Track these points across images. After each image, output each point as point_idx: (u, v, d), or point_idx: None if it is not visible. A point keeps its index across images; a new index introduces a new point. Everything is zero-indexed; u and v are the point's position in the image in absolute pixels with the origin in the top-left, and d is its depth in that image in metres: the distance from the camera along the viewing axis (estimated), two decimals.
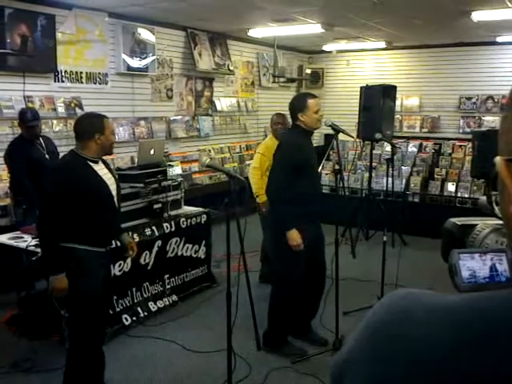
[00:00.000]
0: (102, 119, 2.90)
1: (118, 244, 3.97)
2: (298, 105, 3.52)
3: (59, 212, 2.74)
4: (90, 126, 2.86)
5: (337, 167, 3.56)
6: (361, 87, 6.69)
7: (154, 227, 4.42)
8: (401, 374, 0.62)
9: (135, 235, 4.20)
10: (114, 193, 2.94)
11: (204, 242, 4.98)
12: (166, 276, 4.55)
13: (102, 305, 2.99)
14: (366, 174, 7.08)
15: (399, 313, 0.67)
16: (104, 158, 3.05)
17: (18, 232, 4.06)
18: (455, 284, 0.83)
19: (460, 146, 7.56)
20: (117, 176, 3.12)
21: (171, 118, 7.09)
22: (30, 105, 5.19)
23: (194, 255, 4.88)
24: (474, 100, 8.49)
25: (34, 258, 3.64)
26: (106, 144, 2.88)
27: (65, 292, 2.79)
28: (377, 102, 6.36)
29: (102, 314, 2.98)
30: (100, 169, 2.91)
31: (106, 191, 2.88)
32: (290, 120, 3.83)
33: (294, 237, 3.40)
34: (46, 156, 4.46)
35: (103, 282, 2.94)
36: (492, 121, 8.33)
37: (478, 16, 5.87)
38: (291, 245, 3.39)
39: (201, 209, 5.05)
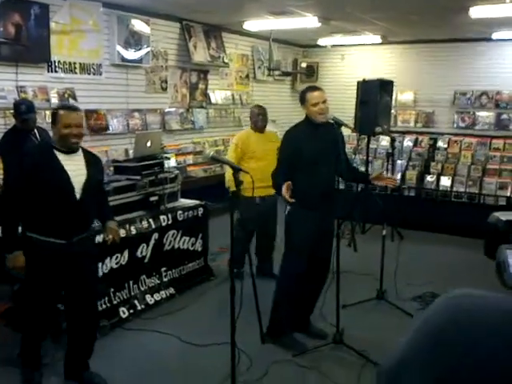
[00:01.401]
0: (58, 111, 2.91)
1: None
2: (300, 97, 3.57)
3: (18, 196, 2.85)
4: (51, 118, 2.97)
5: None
6: (358, 82, 6.65)
7: (150, 220, 4.37)
8: (459, 375, 0.60)
9: (132, 227, 4.15)
10: (79, 186, 2.89)
11: (201, 234, 4.93)
12: (163, 269, 4.50)
13: (49, 296, 3.02)
14: (362, 168, 7.06)
15: (459, 316, 0.64)
16: (88, 149, 3.16)
17: None
18: (503, 280, 0.79)
19: (455, 141, 7.56)
20: (94, 170, 3.02)
21: (165, 110, 7.01)
22: (22, 95, 5.09)
23: (191, 248, 4.83)
24: (468, 96, 8.49)
25: None
26: (59, 135, 2.87)
27: (22, 270, 2.87)
28: (374, 97, 6.32)
29: (47, 306, 3.05)
30: (68, 159, 2.89)
31: (63, 183, 2.85)
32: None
33: (285, 186, 3.25)
34: None
35: (72, 273, 2.96)
36: (486, 116, 8.34)
37: (475, 12, 5.84)
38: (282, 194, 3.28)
39: (198, 201, 4.99)
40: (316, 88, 3.57)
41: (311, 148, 3.43)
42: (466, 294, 0.68)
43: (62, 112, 2.89)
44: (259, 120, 4.88)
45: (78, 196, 2.89)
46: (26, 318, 3.14)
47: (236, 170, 2.85)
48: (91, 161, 3.03)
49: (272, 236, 4.95)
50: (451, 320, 0.64)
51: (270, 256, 5.01)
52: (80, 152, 2.99)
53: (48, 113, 5.39)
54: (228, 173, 4.80)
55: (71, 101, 5.62)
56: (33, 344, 3.15)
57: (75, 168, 2.90)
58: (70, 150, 2.92)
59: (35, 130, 4.41)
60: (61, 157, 2.88)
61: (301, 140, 3.47)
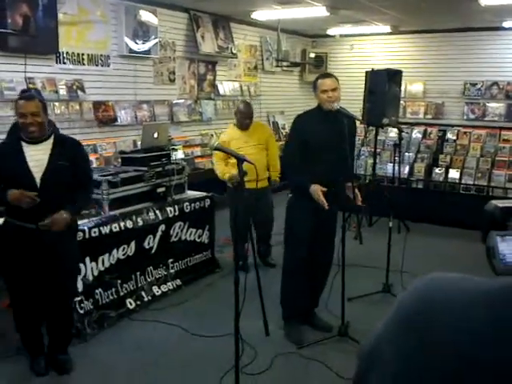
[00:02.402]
0: (16, 101, 2.98)
1: (121, 228, 3.96)
2: (313, 83, 3.60)
3: None
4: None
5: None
6: (366, 71, 6.61)
7: (157, 211, 4.39)
8: (434, 353, 0.61)
9: (139, 219, 4.17)
10: (38, 174, 2.95)
11: (207, 226, 4.95)
12: (170, 260, 4.53)
13: (23, 280, 3.07)
14: (370, 160, 7.03)
15: (432, 298, 0.65)
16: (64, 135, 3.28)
17: None
18: (493, 266, 0.80)
19: (465, 132, 7.49)
20: (58, 154, 3.02)
21: (173, 102, 7.01)
22: (31, 86, 5.11)
23: (198, 240, 4.85)
24: (478, 86, 8.41)
25: None
26: (19, 125, 2.96)
27: (22, 196, 2.89)
28: (382, 87, 6.27)
29: (23, 290, 3.11)
30: (32, 150, 2.96)
31: (21, 173, 2.93)
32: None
33: (316, 189, 3.32)
34: None
35: (45, 258, 3.04)
36: (496, 107, 8.26)
37: (485, 0, 5.77)
38: (316, 198, 3.32)
39: (204, 193, 5.01)
40: (328, 75, 3.60)
41: (318, 135, 3.44)
42: (437, 276, 0.69)
43: (18, 102, 2.95)
44: (244, 122, 4.90)
45: (38, 185, 2.95)
46: (13, 305, 3.26)
47: (240, 161, 2.85)
48: (60, 147, 3.04)
49: (266, 224, 4.98)
50: (417, 302, 0.66)
51: (267, 243, 5.06)
52: (50, 140, 3.03)
53: (57, 104, 5.44)
54: (217, 163, 4.83)
55: (79, 92, 5.64)
56: (26, 331, 3.26)
57: (38, 158, 2.97)
58: (34, 140, 2.98)
59: None
60: (26, 147, 2.97)
61: (308, 126, 3.50)
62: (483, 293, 0.62)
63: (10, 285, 3.18)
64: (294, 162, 3.49)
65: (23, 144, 2.98)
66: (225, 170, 4.68)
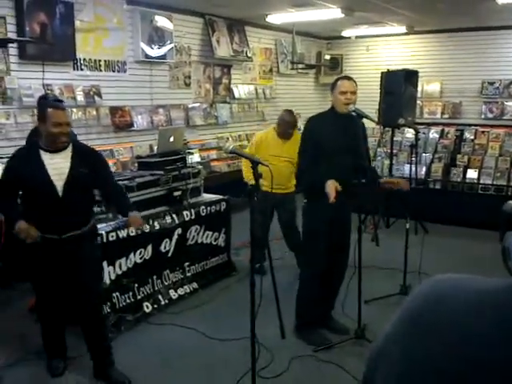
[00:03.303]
0: (46, 109, 2.87)
1: (138, 232, 3.99)
2: (332, 84, 3.58)
3: (7, 191, 2.99)
4: (37, 115, 3.00)
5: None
6: (382, 72, 6.58)
7: (173, 215, 4.41)
8: (436, 354, 0.61)
9: (155, 223, 4.20)
10: (60, 182, 2.90)
11: (224, 229, 4.96)
12: (187, 264, 4.55)
13: (49, 289, 3.10)
14: (387, 161, 6.99)
15: (437, 296, 0.66)
16: (82, 144, 3.26)
17: None
18: (508, 268, 0.79)
19: (483, 131, 7.40)
20: (79, 163, 2.99)
21: (189, 106, 7.06)
22: (49, 92, 5.19)
23: (214, 243, 4.87)
24: (496, 85, 8.31)
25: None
26: (47, 134, 2.87)
27: (29, 232, 2.88)
28: (398, 88, 6.24)
29: (49, 298, 3.14)
30: (52, 158, 2.91)
31: (42, 183, 2.88)
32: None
33: (330, 184, 3.22)
34: None
35: (69, 269, 3.04)
36: None
37: None
38: (327, 191, 3.22)
39: (220, 196, 5.03)
40: (348, 78, 3.58)
41: (331, 138, 3.42)
42: (442, 278, 0.69)
43: (51, 110, 2.86)
44: (287, 132, 4.72)
45: (60, 194, 2.91)
46: (38, 309, 3.29)
47: (255, 164, 2.85)
48: (80, 155, 3.01)
49: (292, 229, 4.93)
50: (422, 304, 0.67)
51: (297, 249, 5.02)
52: (69, 148, 2.98)
53: (75, 110, 5.52)
54: (244, 166, 4.88)
55: (96, 98, 5.72)
56: (50, 334, 3.29)
57: (58, 166, 2.92)
58: (55, 149, 2.93)
59: None
60: (45, 156, 2.91)
61: (321, 128, 3.47)
62: (489, 293, 0.62)
63: (37, 290, 3.21)
64: (307, 164, 3.46)
65: (41, 152, 2.93)
66: (250, 175, 4.67)
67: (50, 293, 3.14)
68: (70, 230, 3.01)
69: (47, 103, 3.00)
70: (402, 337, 0.67)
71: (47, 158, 2.92)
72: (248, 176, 4.75)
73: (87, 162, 3.05)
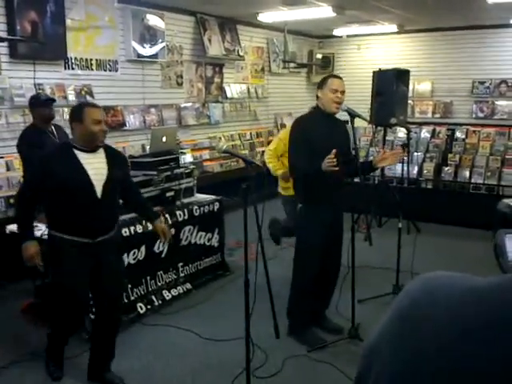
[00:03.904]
0: (83, 108, 2.86)
1: (132, 232, 3.98)
2: (321, 81, 3.52)
3: (34, 195, 2.90)
4: (70, 115, 2.91)
5: (353, 153, 3.49)
6: (373, 72, 6.60)
7: (167, 215, 4.40)
8: (427, 353, 0.62)
9: (148, 223, 4.18)
10: (99, 183, 2.85)
11: (217, 230, 4.96)
12: (180, 264, 4.55)
13: (79, 295, 2.98)
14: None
15: (427, 294, 0.67)
16: (112, 146, 3.15)
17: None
18: (500, 265, 0.80)
19: (474, 131, 7.45)
20: (115, 165, 2.98)
21: (181, 105, 7.04)
22: (40, 92, 5.15)
23: (208, 243, 4.87)
24: (487, 84, 8.37)
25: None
26: (86, 133, 2.81)
27: (34, 259, 2.88)
28: (390, 87, 6.26)
29: (77, 305, 3.00)
30: (89, 158, 2.86)
31: (81, 182, 2.81)
32: None
33: (324, 162, 3.15)
34: None
35: (99, 273, 2.96)
36: (505, 105, 8.21)
37: None
38: (326, 167, 3.15)
39: (213, 196, 5.02)
40: (339, 77, 3.58)
41: (322, 139, 3.39)
42: (432, 275, 0.70)
43: (89, 109, 2.85)
44: None
45: (99, 195, 2.86)
46: (54, 315, 3.16)
47: (248, 164, 2.84)
48: (113, 158, 3.00)
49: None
50: (413, 301, 0.67)
51: None
52: (101, 150, 2.95)
53: (66, 110, 5.47)
54: (269, 159, 4.79)
55: (88, 97, 5.68)
56: (59, 342, 3.20)
57: (96, 166, 2.87)
58: (92, 149, 2.88)
59: (52, 127, 4.45)
60: (81, 155, 2.84)
61: (312, 129, 3.44)
62: (482, 291, 0.63)
63: (61, 296, 3.00)
64: (301, 164, 3.40)
65: (76, 152, 2.85)
66: (277, 165, 4.74)
67: (74, 299, 2.98)
68: (102, 234, 2.95)
69: (82, 103, 3.03)
70: (393, 336, 0.68)
71: (84, 158, 2.85)
72: (275, 167, 4.71)
73: (120, 164, 3.06)
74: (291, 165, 3.54)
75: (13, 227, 3.98)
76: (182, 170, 4.74)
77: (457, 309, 0.62)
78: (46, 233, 3.64)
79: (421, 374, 0.62)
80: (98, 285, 3.01)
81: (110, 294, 3.09)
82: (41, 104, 4.32)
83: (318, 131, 3.43)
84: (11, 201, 4.71)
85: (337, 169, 3.11)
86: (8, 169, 4.94)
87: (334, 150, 3.11)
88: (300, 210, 3.58)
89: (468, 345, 0.59)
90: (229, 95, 7.84)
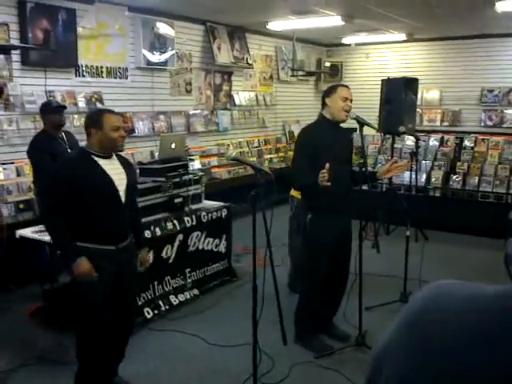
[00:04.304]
0: (102, 114, 2.83)
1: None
2: (329, 89, 3.52)
3: (58, 206, 2.77)
4: (88, 122, 2.87)
5: (361, 161, 3.50)
6: (382, 80, 6.62)
7: (175, 221, 4.43)
8: (432, 356, 0.63)
9: (157, 229, 4.21)
10: (122, 188, 2.85)
11: (224, 236, 4.98)
12: (188, 270, 4.56)
13: (108, 303, 2.90)
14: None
15: (435, 300, 0.69)
16: (121, 153, 3.08)
17: (42, 226, 4.08)
18: (510, 273, 0.80)
19: (483, 139, 7.42)
20: (130, 172, 2.98)
21: (190, 112, 7.09)
22: (51, 99, 5.22)
23: (215, 249, 4.88)
24: (496, 93, 8.35)
25: (57, 252, 3.67)
26: (105, 140, 2.79)
27: (90, 273, 2.77)
28: (398, 95, 6.28)
29: (106, 312, 2.91)
30: (108, 164, 2.84)
31: (108, 187, 2.80)
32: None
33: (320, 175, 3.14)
34: (69, 150, 4.46)
35: (119, 280, 2.91)
36: None
37: (502, 6, 5.75)
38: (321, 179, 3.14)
39: (221, 203, 5.04)
40: (347, 86, 3.60)
41: (330, 147, 3.40)
42: (442, 283, 0.72)
43: (108, 115, 2.83)
44: None
45: (123, 200, 2.86)
46: (86, 348, 2.96)
47: (257, 171, 2.85)
48: (126, 164, 3.01)
49: None
50: (422, 307, 0.69)
51: None
52: (114, 156, 2.94)
53: (76, 116, 5.53)
54: None
55: (98, 104, 5.74)
56: (100, 357, 2.97)
57: (116, 172, 2.87)
58: (108, 155, 2.87)
59: (63, 134, 4.50)
60: (101, 162, 2.83)
61: (319, 139, 3.44)
62: (480, 298, 0.64)
63: (89, 310, 2.88)
64: (301, 175, 3.40)
65: (96, 158, 2.82)
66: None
67: (103, 309, 2.87)
68: (124, 240, 2.92)
69: (101, 110, 2.98)
70: (402, 341, 0.69)
71: (104, 164, 2.83)
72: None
73: (132, 171, 3.09)
74: (293, 174, 3.53)
75: (23, 232, 4.03)
76: (190, 176, 4.77)
77: (462, 314, 0.63)
78: None
79: (425, 377, 0.64)
80: (116, 290, 2.94)
81: (128, 299, 3.08)
82: (52, 111, 4.37)
83: (324, 140, 3.43)
84: (21, 206, 4.76)
85: (329, 184, 3.10)
86: (18, 174, 4.99)
87: (327, 165, 3.11)
88: (309, 221, 3.52)
89: (471, 349, 0.60)
90: (237, 102, 7.88)
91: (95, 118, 2.84)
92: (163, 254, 4.29)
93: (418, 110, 7.72)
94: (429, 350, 0.64)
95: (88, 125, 2.86)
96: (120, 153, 3.04)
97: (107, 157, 2.87)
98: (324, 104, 3.52)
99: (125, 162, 3.01)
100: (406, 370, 0.66)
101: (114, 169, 2.87)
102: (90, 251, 2.79)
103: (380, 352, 0.75)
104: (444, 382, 0.62)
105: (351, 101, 3.47)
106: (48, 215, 2.85)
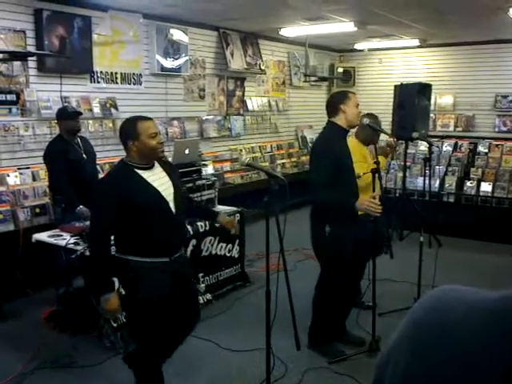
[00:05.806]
0: (136, 123, 2.66)
1: None
2: (339, 97, 3.47)
3: (108, 227, 2.65)
4: (123, 134, 2.72)
5: (374, 166, 3.49)
6: (395, 85, 6.60)
7: (188, 226, 4.44)
8: (438, 361, 0.64)
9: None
10: (170, 197, 2.72)
11: (237, 241, 4.99)
12: (201, 274, 4.58)
13: (164, 316, 2.78)
14: (400, 174, 6.99)
15: (440, 304, 0.69)
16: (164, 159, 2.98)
17: (57, 230, 4.13)
18: None
19: (497, 145, 7.38)
20: (175, 176, 2.87)
21: (203, 118, 7.14)
22: (67, 105, 5.28)
23: (228, 254, 4.90)
24: (510, 98, 8.31)
25: (72, 256, 3.71)
26: (144, 149, 2.65)
27: (116, 313, 2.72)
28: (412, 101, 6.25)
29: (161, 326, 2.79)
30: (151, 175, 2.71)
31: (155, 201, 2.67)
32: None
33: (362, 200, 3.20)
34: (84, 156, 4.52)
35: (175, 292, 2.80)
36: None
37: None
38: (366, 209, 3.17)
39: (234, 208, 5.06)
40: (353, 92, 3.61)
41: (345, 156, 3.40)
42: (446, 289, 0.73)
43: (142, 123, 2.67)
44: (374, 138, 3.90)
45: (173, 210, 2.73)
46: (144, 345, 2.85)
47: (271, 177, 2.84)
48: (168, 167, 2.88)
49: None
50: (427, 311, 0.70)
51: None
52: (156, 164, 2.78)
53: (91, 122, 5.60)
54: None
55: (113, 110, 5.80)
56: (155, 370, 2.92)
57: (162, 182, 2.73)
58: (149, 165, 2.73)
59: (78, 139, 4.55)
60: (144, 175, 2.68)
61: (338, 148, 3.41)
62: (484, 302, 0.65)
63: (146, 326, 2.76)
64: (325, 188, 3.31)
65: (139, 172, 2.68)
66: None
67: (159, 324, 2.77)
68: (178, 250, 2.82)
69: (133, 118, 2.75)
70: (405, 348, 0.70)
71: (148, 176, 2.69)
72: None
73: (175, 172, 2.94)
74: (312, 187, 3.39)
75: (38, 236, 4.07)
76: (203, 181, 4.79)
77: (466, 317, 0.64)
78: (71, 242, 3.74)
79: (427, 378, 0.64)
80: (176, 305, 2.86)
81: (190, 315, 2.99)
82: (67, 116, 4.43)
83: (341, 150, 3.41)
84: (37, 210, 4.82)
85: (379, 214, 3.16)
86: (34, 179, 5.06)
87: (376, 193, 3.17)
88: (329, 234, 3.41)
89: (473, 352, 0.61)
90: (250, 108, 7.92)
91: (130, 129, 2.67)
92: None
93: (431, 115, 7.69)
94: (431, 355, 0.65)
95: (123, 137, 2.71)
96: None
97: (149, 167, 2.73)
98: (335, 111, 3.44)
99: (167, 167, 2.87)
100: (409, 374, 0.67)
101: (158, 179, 2.73)
102: (144, 265, 2.67)
103: (385, 360, 0.76)
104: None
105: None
106: (92, 242, 2.80)
